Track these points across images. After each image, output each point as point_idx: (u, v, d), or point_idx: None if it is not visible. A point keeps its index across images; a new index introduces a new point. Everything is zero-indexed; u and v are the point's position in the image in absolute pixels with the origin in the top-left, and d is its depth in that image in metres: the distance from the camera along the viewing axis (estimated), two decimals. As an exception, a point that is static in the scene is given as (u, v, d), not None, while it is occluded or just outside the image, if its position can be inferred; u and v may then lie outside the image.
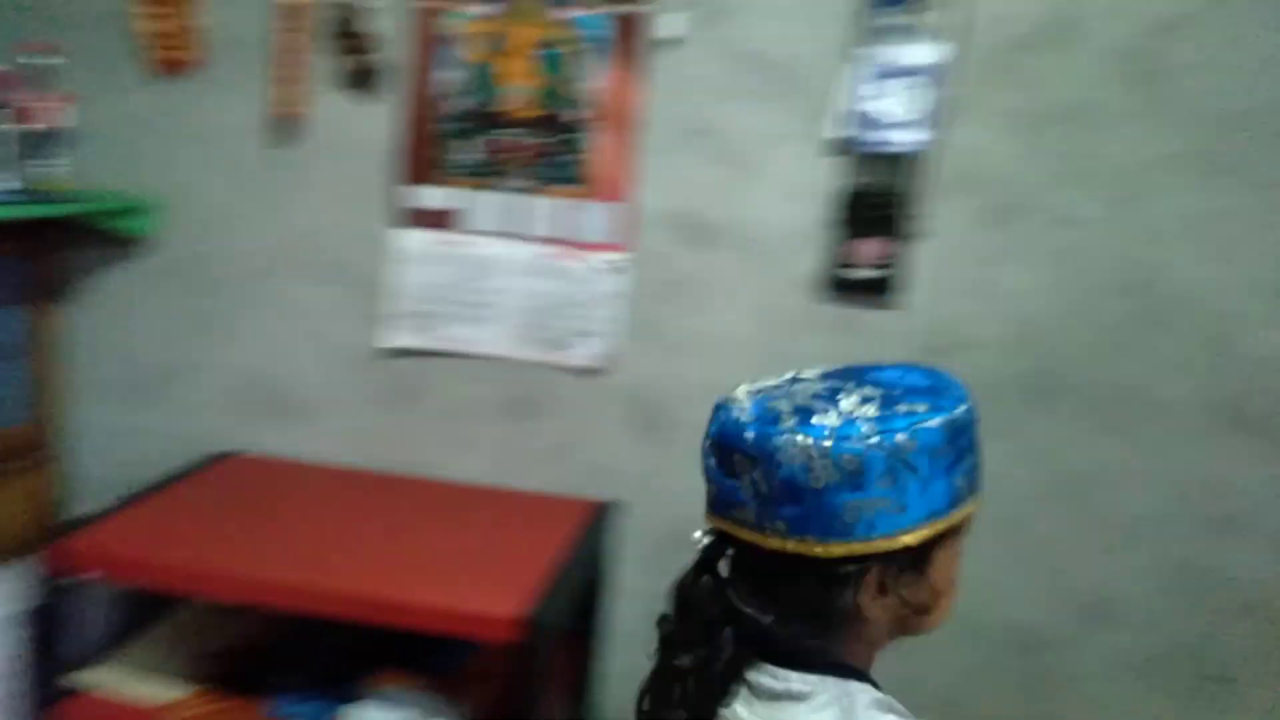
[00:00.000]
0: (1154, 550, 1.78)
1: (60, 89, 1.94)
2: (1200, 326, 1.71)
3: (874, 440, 0.73)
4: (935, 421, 0.75)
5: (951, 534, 0.80)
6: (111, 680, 1.63)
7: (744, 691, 0.80)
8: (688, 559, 0.86)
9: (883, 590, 0.79)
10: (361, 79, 1.89)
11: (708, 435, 0.82)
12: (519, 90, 1.84)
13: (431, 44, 1.86)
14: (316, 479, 1.95)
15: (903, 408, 0.75)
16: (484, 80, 1.85)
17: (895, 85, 1.69)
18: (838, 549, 0.74)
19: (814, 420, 0.74)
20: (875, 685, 0.82)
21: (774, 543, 0.76)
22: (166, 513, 1.71)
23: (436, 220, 1.91)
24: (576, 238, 1.87)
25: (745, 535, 0.79)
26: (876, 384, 0.79)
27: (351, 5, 1.85)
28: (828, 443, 0.73)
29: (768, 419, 0.76)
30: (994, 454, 1.74)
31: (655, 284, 1.86)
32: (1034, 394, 1.77)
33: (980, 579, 1.82)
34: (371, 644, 1.64)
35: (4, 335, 1.88)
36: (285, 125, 1.94)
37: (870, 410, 0.75)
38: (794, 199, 1.79)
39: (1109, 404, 1.75)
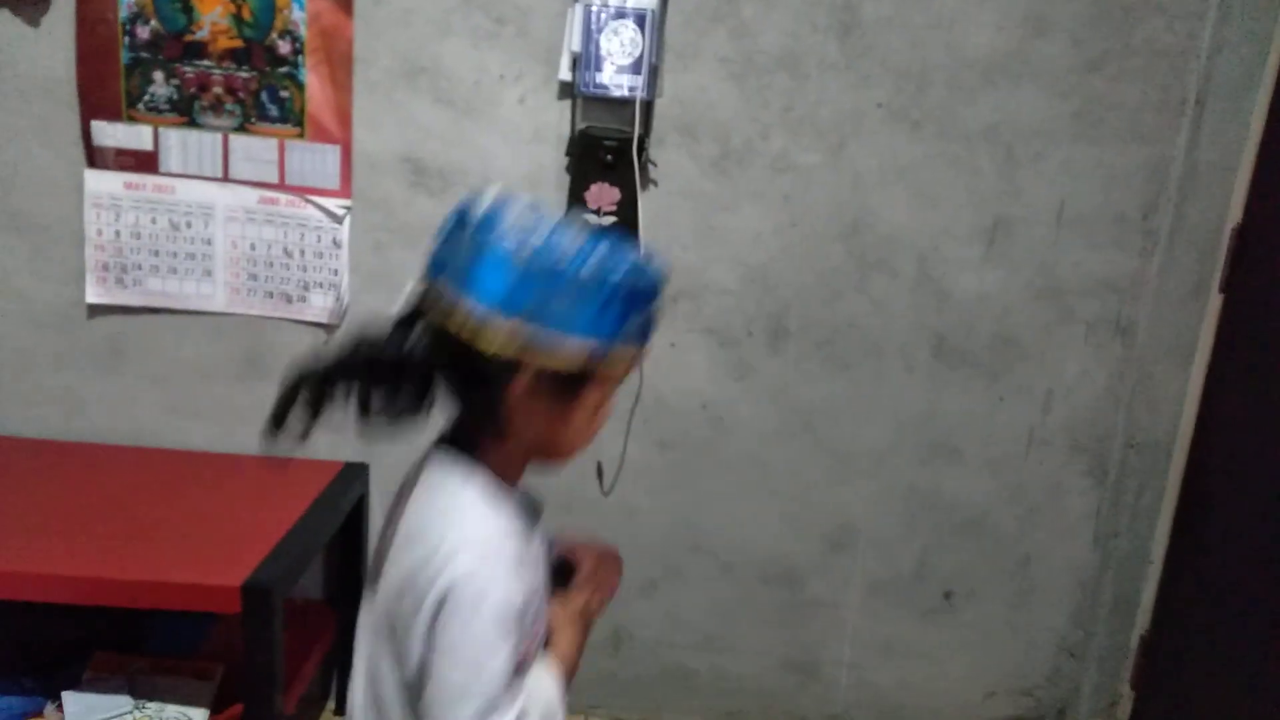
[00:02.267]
0: (882, 479, 1.90)
1: None
2: (908, 268, 1.79)
3: (570, 252, 0.79)
4: (625, 267, 0.81)
5: (606, 380, 0.85)
6: None
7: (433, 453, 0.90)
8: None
9: (532, 398, 0.83)
10: (22, -6, 1.62)
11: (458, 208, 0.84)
12: (216, 18, 1.63)
13: (103, -43, 1.61)
14: (18, 451, 1.75)
15: (608, 246, 0.81)
16: (173, 6, 1.63)
17: (618, 27, 1.62)
18: (499, 337, 0.79)
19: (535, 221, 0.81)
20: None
21: (459, 319, 0.80)
22: None
23: (132, 161, 1.70)
24: (295, 182, 1.71)
25: (442, 305, 0.81)
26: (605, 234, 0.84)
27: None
28: (536, 240, 0.79)
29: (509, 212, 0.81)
30: (734, 393, 1.83)
31: (383, 232, 1.75)
32: (766, 335, 1.82)
33: (731, 514, 1.91)
34: (93, 628, 1.54)
35: None
36: (-69, 47, 1.65)
37: (583, 235, 0.81)
38: (527, 142, 1.71)
39: (833, 343, 1.83)
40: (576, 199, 1.71)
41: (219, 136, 1.69)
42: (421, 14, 1.66)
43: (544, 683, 0.88)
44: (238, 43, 1.65)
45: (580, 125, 1.69)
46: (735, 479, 1.89)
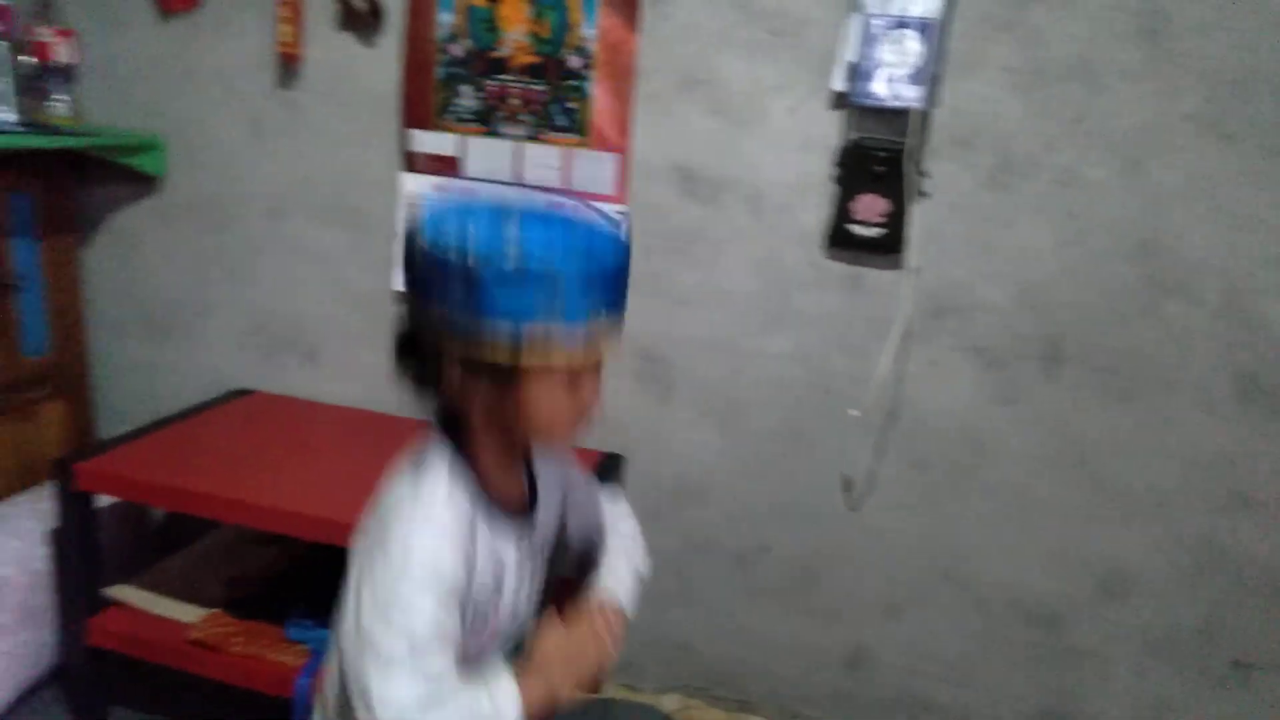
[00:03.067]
0: (1168, 525, 1.72)
1: (60, 23, 1.96)
2: (1212, 295, 1.61)
3: (455, 238, 0.81)
4: (492, 245, 0.80)
5: (541, 365, 0.85)
6: (140, 598, 1.75)
7: None
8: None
9: (471, 385, 0.87)
10: (362, 20, 1.85)
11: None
12: (517, 36, 1.79)
13: (429, -15, 1.81)
14: (329, 418, 2.01)
15: (513, 230, 0.81)
16: (482, 24, 1.80)
17: (897, 37, 1.59)
18: (416, 325, 0.88)
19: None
20: (481, 485, 0.93)
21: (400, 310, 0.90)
22: (185, 443, 1.79)
23: (439, 166, 1.90)
24: (575, 187, 1.84)
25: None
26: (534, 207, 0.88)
27: (350, -56, 1.80)
28: (440, 231, 0.82)
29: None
30: (999, 417, 1.74)
31: (655, 237, 1.83)
32: (1039, 360, 1.71)
33: (988, 545, 1.82)
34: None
35: (19, 266, 1.95)
36: (289, 66, 1.93)
37: (484, 220, 0.83)
38: (796, 151, 1.72)
39: (1117, 372, 1.68)
40: (843, 209, 1.70)
41: (513, 144, 1.85)
42: (703, 28, 1.72)
43: (499, 696, 0.87)
44: (535, 58, 1.79)
45: (852, 135, 1.67)
46: (995, 508, 1.79)
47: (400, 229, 1.94)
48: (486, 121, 1.85)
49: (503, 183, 1.87)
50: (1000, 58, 1.61)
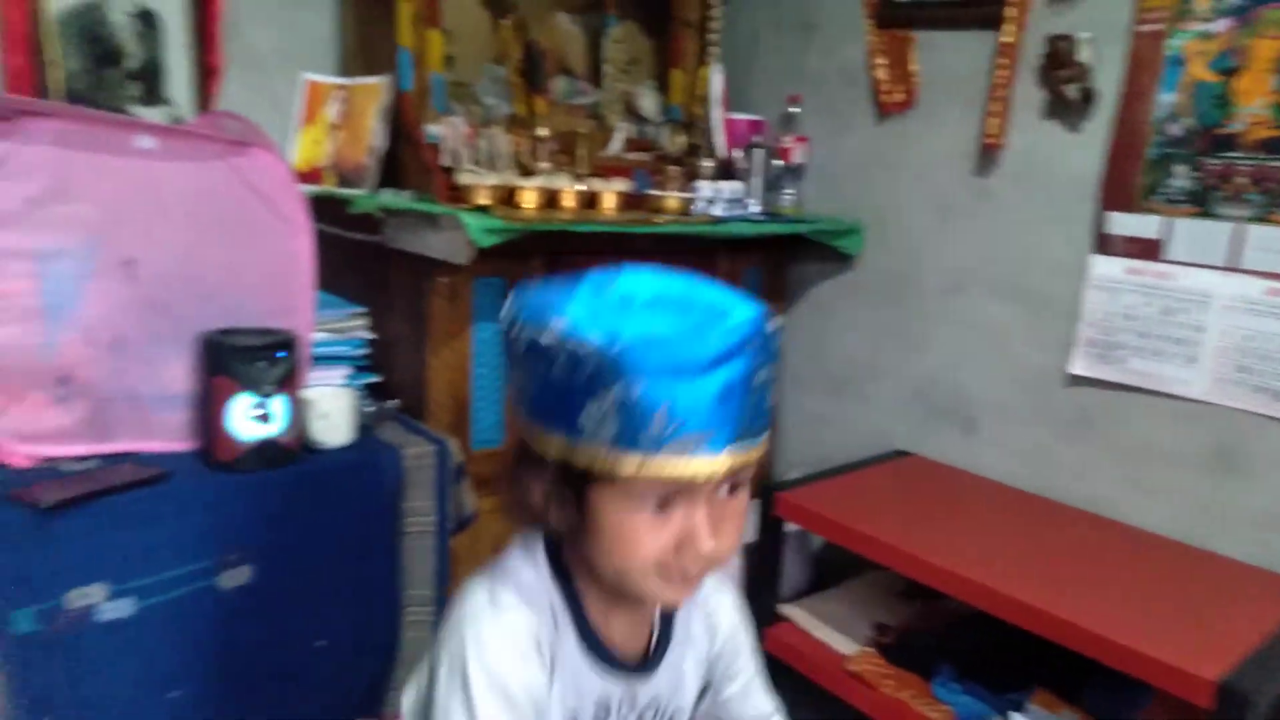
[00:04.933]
0: None
1: (799, 131, 2.37)
2: None
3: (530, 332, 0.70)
4: (566, 344, 0.67)
5: (611, 482, 0.69)
6: (806, 620, 2.00)
7: None
8: None
9: (556, 497, 0.74)
10: (1071, 107, 1.89)
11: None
12: (1255, 109, 1.64)
13: (1150, 67, 1.77)
14: (987, 491, 2.06)
15: (572, 320, 0.67)
16: (1211, 101, 1.70)
17: None
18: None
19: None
20: (578, 611, 0.79)
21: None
22: (854, 490, 2.01)
23: (1136, 249, 1.83)
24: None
25: None
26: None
27: (1070, 36, 1.86)
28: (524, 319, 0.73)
29: None
30: None
31: None
32: None
33: None
34: (1030, 659, 1.69)
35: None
36: (988, 154, 2.06)
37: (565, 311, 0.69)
38: None
39: None
40: None
41: (1232, 226, 1.69)
42: None
43: None
44: (1275, 132, 1.63)
45: None
46: None
47: (1085, 312, 1.91)
48: (1201, 203, 1.73)
49: (1213, 267, 1.72)
50: None
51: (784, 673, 1.98)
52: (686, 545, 0.71)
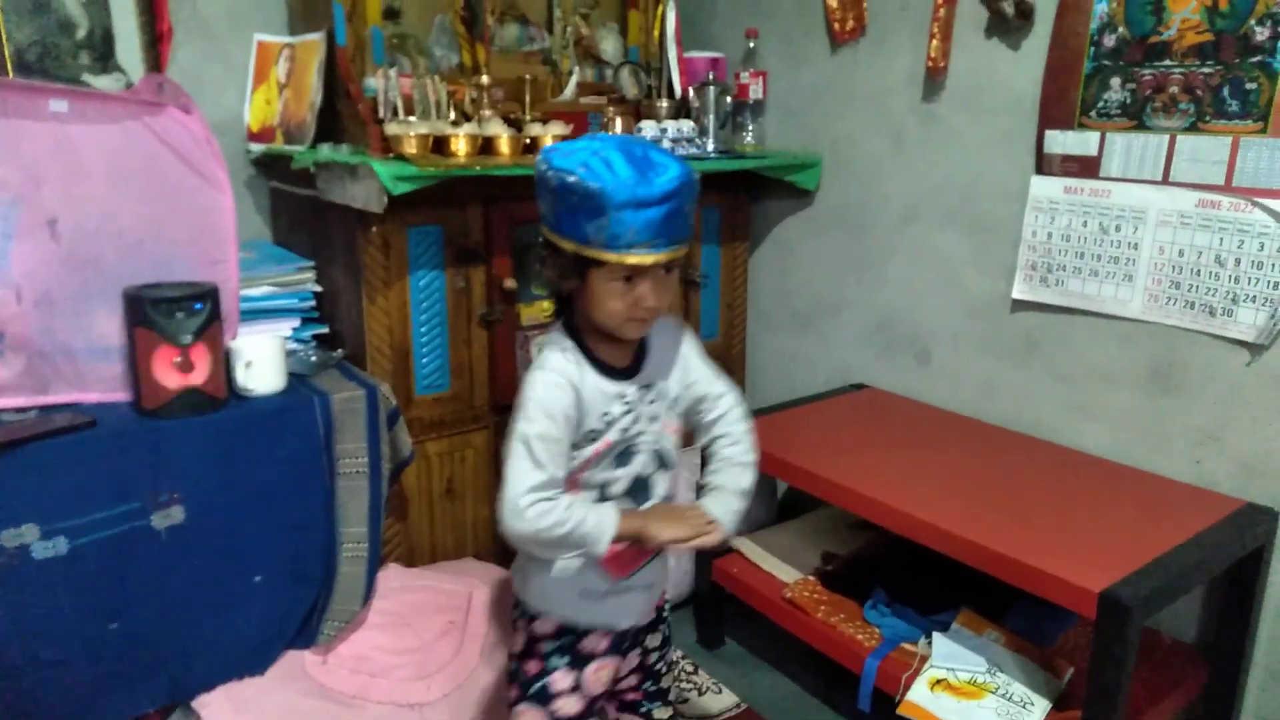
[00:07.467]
0: None
1: (759, 66, 2.33)
2: None
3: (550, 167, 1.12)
4: (562, 176, 1.10)
5: (600, 266, 1.12)
6: (753, 551, 2.03)
7: None
8: None
9: (565, 279, 1.19)
10: (1010, 25, 1.84)
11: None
12: (1187, 14, 1.58)
13: (1081, -25, 1.70)
14: (936, 420, 2.05)
15: (568, 158, 1.11)
16: (1143, 7, 1.63)
17: None
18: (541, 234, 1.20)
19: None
20: (583, 348, 1.22)
21: None
22: (806, 427, 2.02)
23: (1075, 167, 1.78)
24: (1244, 183, 1.55)
25: None
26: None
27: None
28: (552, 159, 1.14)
29: None
30: None
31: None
32: None
33: None
34: (963, 582, 1.70)
35: (706, 268, 2.39)
36: (933, 79, 2.01)
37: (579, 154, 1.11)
38: None
39: None
40: None
41: (1165, 138, 1.64)
42: None
43: (602, 512, 1.19)
44: (1206, 37, 1.56)
45: None
46: None
47: (1026, 234, 1.87)
48: (1135, 115, 1.68)
49: (1148, 181, 1.67)
50: None
51: (729, 601, 2.04)
52: (640, 302, 1.14)
